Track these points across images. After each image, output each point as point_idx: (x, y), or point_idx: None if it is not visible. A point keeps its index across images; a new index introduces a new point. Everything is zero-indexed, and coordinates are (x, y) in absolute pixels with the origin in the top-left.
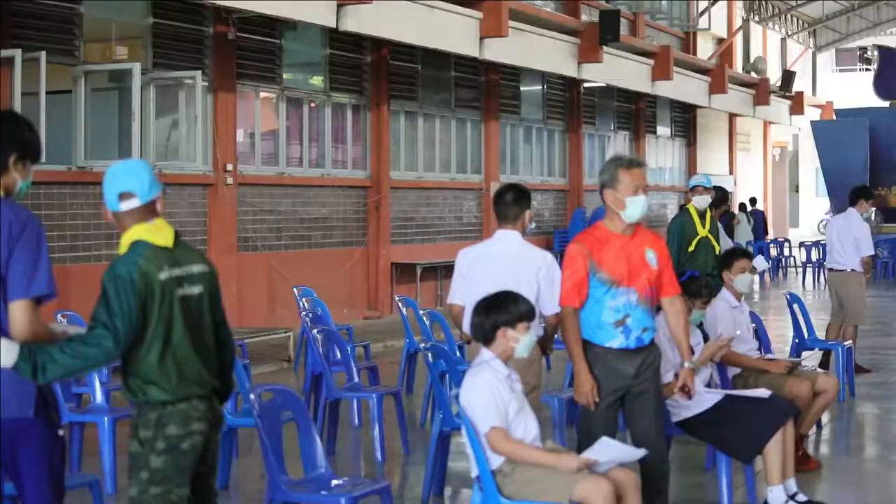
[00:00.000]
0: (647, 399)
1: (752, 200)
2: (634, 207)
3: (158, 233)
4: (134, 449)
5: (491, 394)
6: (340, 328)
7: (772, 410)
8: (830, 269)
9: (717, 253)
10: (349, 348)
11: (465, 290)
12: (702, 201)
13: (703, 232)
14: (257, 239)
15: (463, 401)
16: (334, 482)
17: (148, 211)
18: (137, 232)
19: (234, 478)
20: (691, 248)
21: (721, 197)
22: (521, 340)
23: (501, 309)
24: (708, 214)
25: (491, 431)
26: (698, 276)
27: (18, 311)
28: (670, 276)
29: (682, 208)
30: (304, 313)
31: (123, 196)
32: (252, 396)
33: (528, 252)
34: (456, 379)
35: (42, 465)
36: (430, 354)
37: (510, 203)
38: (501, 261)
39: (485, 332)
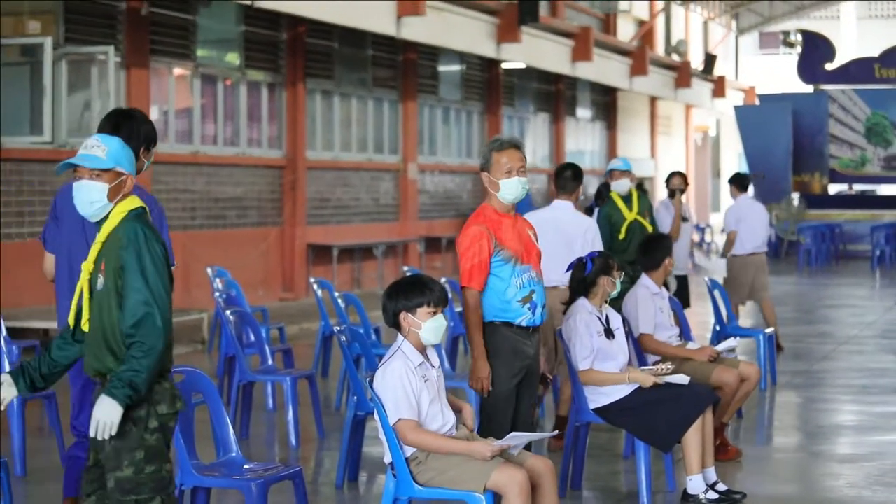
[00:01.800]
0: (534, 378)
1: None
2: (507, 189)
3: None
4: (126, 429)
5: (401, 384)
6: (255, 310)
7: (692, 398)
8: (753, 253)
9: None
10: (263, 330)
11: None
12: (621, 185)
13: (630, 216)
14: (171, 218)
15: (375, 388)
16: (246, 466)
17: None
18: (137, 200)
19: None
20: (622, 236)
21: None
22: (424, 326)
23: (403, 294)
24: (634, 196)
25: (399, 423)
26: (602, 252)
27: None
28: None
29: (599, 195)
30: (217, 294)
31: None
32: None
33: (578, 218)
34: (371, 362)
35: None
36: (344, 337)
37: (569, 178)
38: (558, 224)
39: (389, 316)
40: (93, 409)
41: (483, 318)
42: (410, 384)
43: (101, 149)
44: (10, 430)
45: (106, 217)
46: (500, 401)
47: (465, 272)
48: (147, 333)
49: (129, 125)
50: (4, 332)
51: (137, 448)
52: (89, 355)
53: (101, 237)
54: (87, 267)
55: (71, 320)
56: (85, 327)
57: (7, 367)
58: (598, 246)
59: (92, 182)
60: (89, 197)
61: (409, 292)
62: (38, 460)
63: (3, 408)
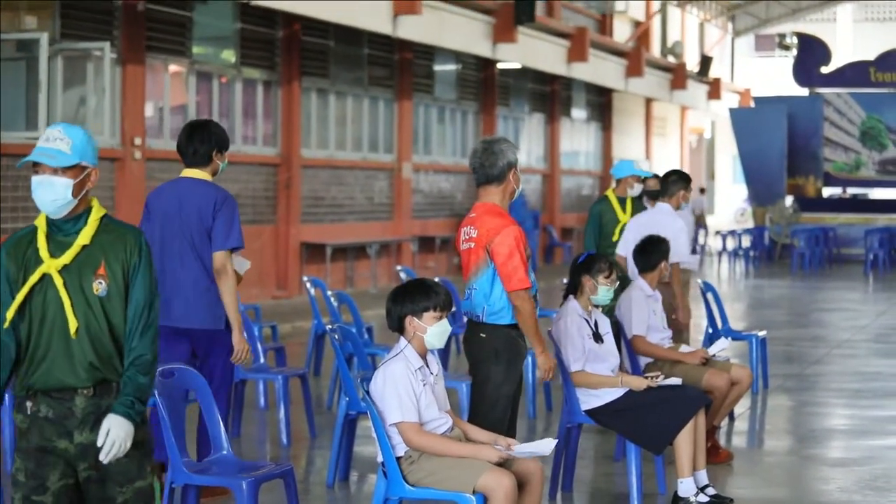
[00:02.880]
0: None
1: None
2: (516, 194)
3: None
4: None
5: (402, 386)
6: (248, 308)
7: (683, 400)
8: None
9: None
10: (256, 328)
11: (625, 244)
12: (635, 191)
13: (624, 218)
14: None
15: (372, 389)
16: (237, 465)
17: None
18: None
19: None
20: (615, 238)
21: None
22: (429, 330)
23: (409, 298)
24: (629, 200)
25: (403, 425)
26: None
27: (219, 258)
28: None
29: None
30: None
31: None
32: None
33: (673, 220)
34: (363, 362)
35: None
36: (336, 336)
37: (671, 183)
38: (657, 225)
39: (393, 320)
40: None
41: (501, 319)
42: (412, 386)
43: (64, 142)
44: (0, 427)
45: (76, 217)
46: (504, 399)
47: (519, 273)
48: (152, 346)
49: (203, 130)
50: None
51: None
52: (73, 362)
53: (83, 240)
54: (55, 266)
55: (11, 315)
56: (74, 334)
57: None
58: (682, 245)
59: (55, 178)
60: (52, 195)
61: (416, 296)
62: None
63: None
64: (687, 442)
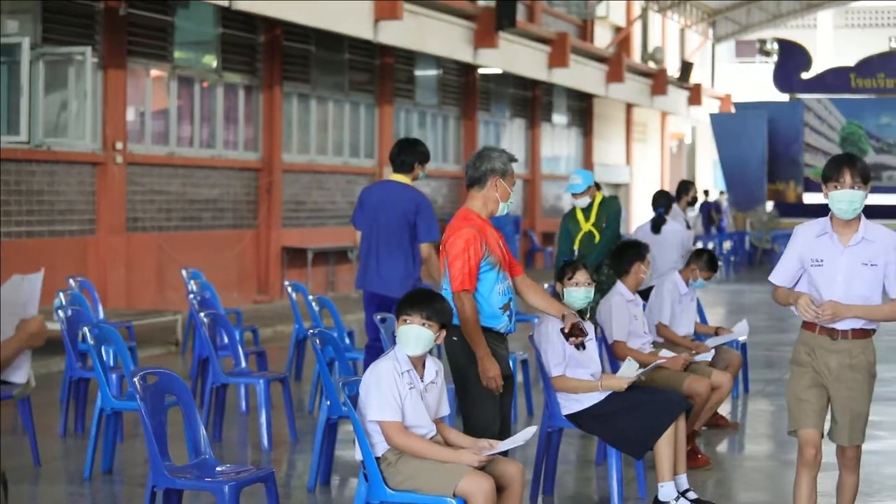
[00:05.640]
0: (509, 382)
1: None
2: (506, 203)
3: None
4: None
5: (386, 384)
6: (229, 312)
7: (664, 405)
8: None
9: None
10: (237, 333)
11: None
12: (582, 202)
13: (586, 226)
14: (146, 219)
15: (361, 385)
16: (218, 469)
17: None
18: None
19: (117, 462)
20: (576, 246)
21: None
22: (399, 332)
23: (401, 303)
24: (595, 205)
25: (385, 423)
26: (569, 260)
27: (425, 248)
28: (513, 258)
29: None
30: (191, 296)
31: None
32: (135, 379)
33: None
34: (344, 366)
35: None
36: (317, 341)
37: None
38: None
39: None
40: None
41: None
42: (396, 386)
43: None
44: None
45: None
46: (488, 399)
47: (460, 275)
48: None
49: (410, 145)
50: None
51: None
52: None
53: None
54: None
55: None
56: None
57: None
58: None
59: None
60: None
61: (404, 302)
62: (11, 460)
63: None
64: (667, 446)
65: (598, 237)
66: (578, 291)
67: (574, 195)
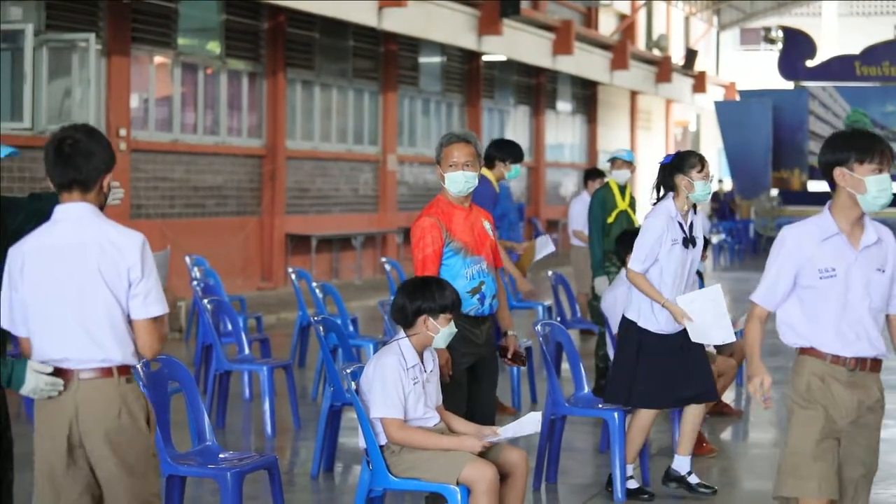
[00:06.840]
0: (489, 366)
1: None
2: (451, 182)
3: None
4: None
5: (391, 380)
6: (233, 299)
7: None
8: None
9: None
10: (241, 319)
11: None
12: (621, 175)
13: (622, 205)
14: (150, 206)
15: (363, 377)
16: (221, 456)
17: None
18: None
19: None
20: (611, 220)
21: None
22: (442, 332)
23: (428, 296)
24: (628, 189)
25: (386, 420)
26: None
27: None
28: (496, 248)
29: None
30: (195, 283)
31: None
32: (138, 366)
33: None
34: (347, 353)
35: None
36: (321, 328)
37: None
38: None
39: (406, 315)
40: None
41: None
42: (401, 382)
43: None
44: None
45: None
46: (449, 386)
47: (419, 262)
48: None
49: (501, 144)
50: None
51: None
52: None
53: None
54: None
55: None
56: None
57: None
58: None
59: None
60: None
61: (434, 296)
62: (16, 448)
63: None
64: (697, 417)
65: (634, 221)
66: (707, 185)
67: (617, 163)
